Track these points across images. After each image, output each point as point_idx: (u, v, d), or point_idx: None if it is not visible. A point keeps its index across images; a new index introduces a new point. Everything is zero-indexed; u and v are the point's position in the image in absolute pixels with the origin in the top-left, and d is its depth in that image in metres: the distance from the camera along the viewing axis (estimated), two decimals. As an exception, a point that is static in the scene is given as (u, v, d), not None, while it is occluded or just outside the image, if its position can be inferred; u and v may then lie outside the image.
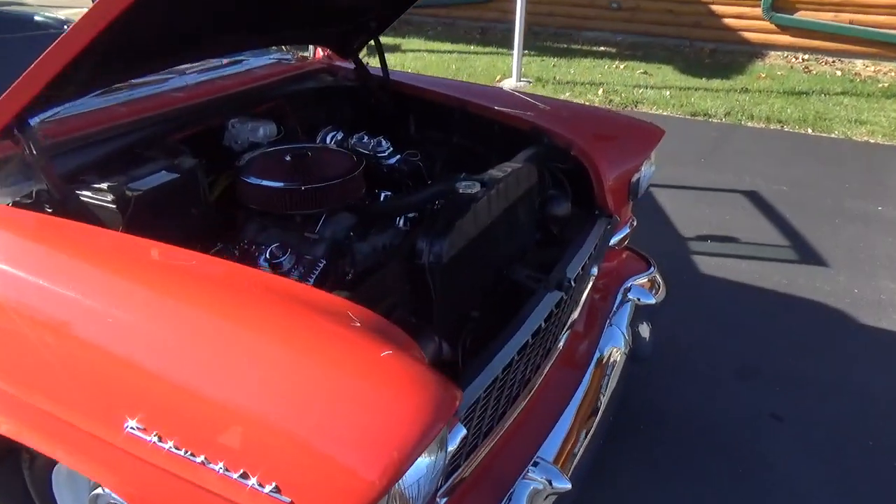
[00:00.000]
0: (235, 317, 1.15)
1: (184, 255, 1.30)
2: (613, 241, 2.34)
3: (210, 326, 1.14)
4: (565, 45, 8.47)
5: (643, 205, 3.59)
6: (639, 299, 2.20)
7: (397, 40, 8.67)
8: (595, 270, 2.21)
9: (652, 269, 2.47)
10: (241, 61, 2.33)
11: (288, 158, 1.95)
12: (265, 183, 1.82)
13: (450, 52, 8.14)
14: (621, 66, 7.43)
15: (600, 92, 6.43)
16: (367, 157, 2.32)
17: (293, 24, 2.17)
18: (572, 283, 1.79)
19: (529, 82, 6.81)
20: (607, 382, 2.06)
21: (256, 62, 2.38)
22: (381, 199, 2.23)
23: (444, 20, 9.76)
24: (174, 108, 1.96)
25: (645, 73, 7.18)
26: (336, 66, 2.72)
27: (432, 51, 8.20)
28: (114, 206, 1.55)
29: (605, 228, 2.19)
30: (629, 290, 2.24)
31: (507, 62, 7.18)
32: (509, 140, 2.33)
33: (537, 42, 8.52)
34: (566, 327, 2.04)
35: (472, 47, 8.41)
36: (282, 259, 1.80)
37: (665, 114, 5.95)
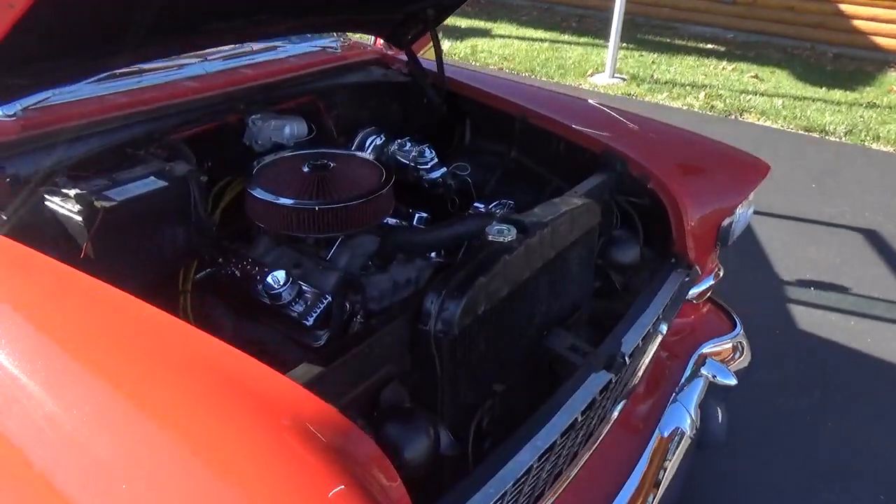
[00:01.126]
0: (147, 414, 0.86)
1: (123, 309, 1.03)
2: (692, 293, 1.93)
3: (115, 425, 0.86)
4: (668, 40, 7.82)
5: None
6: (714, 377, 1.78)
7: (488, 24, 8.26)
8: (664, 328, 1.82)
9: (737, 329, 2.04)
10: (275, 48, 2.05)
11: (306, 169, 1.66)
12: (273, 200, 1.54)
13: (542, 39, 7.67)
14: (729, 68, 6.74)
15: (701, 96, 5.83)
16: (407, 169, 2.01)
17: (333, 7, 1.87)
18: (627, 359, 1.42)
19: (623, 79, 6.27)
20: (665, 474, 1.68)
21: (294, 49, 2.10)
22: (415, 220, 1.92)
23: (541, 4, 9.26)
24: (185, 99, 1.71)
25: (755, 76, 6.48)
26: (392, 57, 2.41)
27: (523, 38, 7.75)
28: (79, 219, 1.31)
29: (681, 281, 1.79)
30: (704, 360, 1.83)
31: (602, 55, 6.66)
32: (576, 161, 1.96)
33: (638, 34, 7.91)
34: (620, 401, 1.66)
35: (566, 36, 7.90)
36: (281, 290, 1.53)
37: (775, 126, 5.30)
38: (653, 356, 1.85)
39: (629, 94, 5.93)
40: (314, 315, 1.51)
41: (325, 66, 2.09)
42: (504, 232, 1.29)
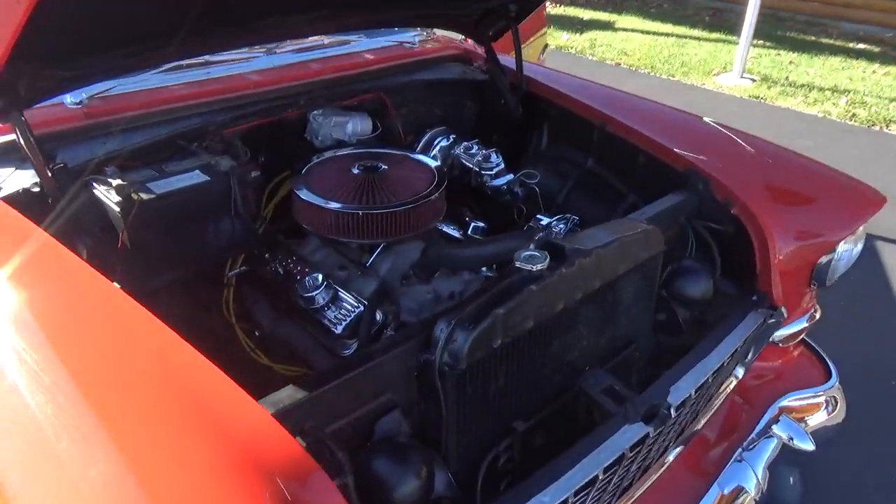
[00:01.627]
0: (98, 420, 0.84)
1: (113, 310, 1.01)
2: (778, 335, 1.70)
3: (65, 423, 0.84)
4: (813, 38, 7.11)
5: (860, 262, 2.73)
6: (791, 439, 1.55)
7: (612, 16, 7.90)
8: (741, 372, 1.61)
9: (831, 381, 1.78)
10: (349, 42, 2.01)
11: (355, 170, 1.61)
12: (315, 202, 1.51)
13: (668, 34, 7.22)
14: (880, 72, 6.02)
15: (842, 102, 5.23)
16: (470, 174, 1.91)
17: (409, 1, 1.79)
18: (673, 412, 1.25)
19: (753, 80, 5.76)
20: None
21: (369, 44, 2.05)
22: (469, 229, 1.82)
23: (673, -3, 8.73)
24: (244, 93, 1.70)
25: (913, 83, 5.74)
26: (475, 53, 2.30)
27: (648, 32, 7.33)
28: (116, 209, 1.34)
29: (762, 322, 1.57)
30: (779, 417, 1.60)
31: (733, 53, 6.16)
32: (655, 177, 1.78)
33: (779, 31, 7.25)
34: (675, 448, 1.49)
35: (696, 31, 7.40)
36: (314, 293, 1.50)
37: (929, 141, 4.67)
38: (724, 400, 1.65)
39: (757, 97, 5.43)
40: (344, 323, 1.47)
41: (397, 62, 2.02)
42: (535, 259, 1.16)
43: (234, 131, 1.63)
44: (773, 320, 1.60)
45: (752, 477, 1.53)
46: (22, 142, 1.24)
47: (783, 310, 1.60)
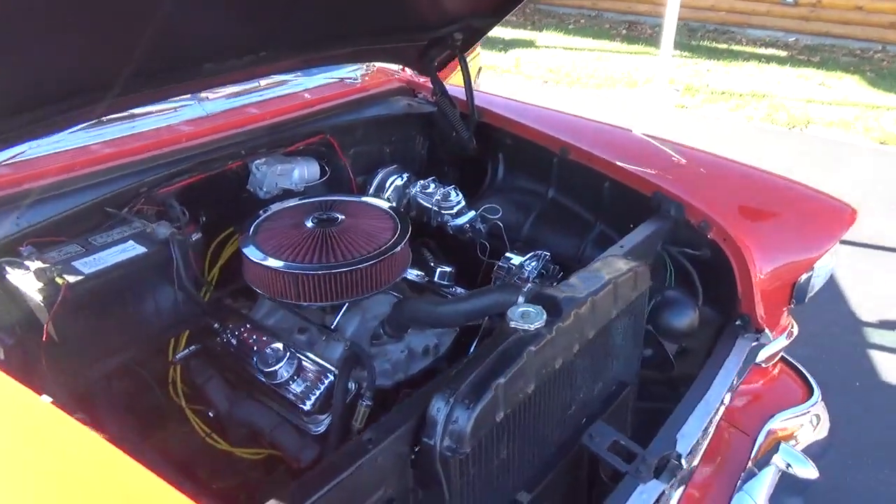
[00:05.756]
0: None
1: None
2: (760, 357, 1.65)
3: None
4: (725, 46, 7.41)
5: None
6: (788, 466, 1.50)
7: (533, 34, 8.01)
8: (728, 397, 1.55)
9: (814, 397, 1.74)
10: (287, 81, 1.87)
11: (309, 224, 1.47)
12: (267, 263, 1.35)
13: (590, 49, 7.37)
14: (793, 74, 6.31)
15: (763, 106, 5.43)
16: (430, 214, 1.80)
17: (347, 37, 1.67)
18: (684, 462, 1.17)
19: (677, 90, 5.92)
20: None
21: (309, 82, 1.91)
22: (436, 275, 1.70)
23: (589, 12, 8.95)
24: (178, 147, 1.53)
25: (822, 84, 6.03)
26: (420, 84, 2.20)
27: (570, 47, 7.46)
28: (38, 297, 1.14)
29: (749, 348, 1.52)
30: (777, 445, 1.54)
31: (654, 64, 6.32)
32: (623, 204, 1.71)
33: (692, 41, 7.52)
34: (678, 488, 1.40)
35: (615, 44, 7.58)
36: (277, 367, 1.33)
37: (847, 139, 4.88)
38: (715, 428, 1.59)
39: (684, 106, 5.58)
40: (313, 397, 1.32)
41: (340, 101, 1.89)
42: (530, 316, 1.05)
43: (169, 191, 1.46)
44: (757, 343, 1.55)
45: (756, 510, 1.47)
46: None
47: (768, 332, 1.56)
